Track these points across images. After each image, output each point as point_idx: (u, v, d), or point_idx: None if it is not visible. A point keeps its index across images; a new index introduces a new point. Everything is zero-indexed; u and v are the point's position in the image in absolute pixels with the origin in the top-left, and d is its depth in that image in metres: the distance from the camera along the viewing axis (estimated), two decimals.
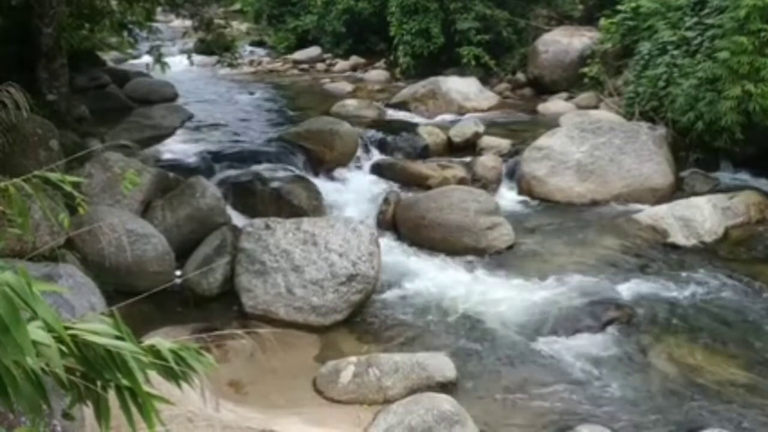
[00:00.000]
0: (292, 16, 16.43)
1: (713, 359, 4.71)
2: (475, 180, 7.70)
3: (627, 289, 5.58)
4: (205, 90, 12.36)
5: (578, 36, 11.33)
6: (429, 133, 8.85)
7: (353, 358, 4.46)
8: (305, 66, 14.83)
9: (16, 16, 7.04)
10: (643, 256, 6.21)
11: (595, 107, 9.82)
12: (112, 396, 1.54)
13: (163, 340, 1.61)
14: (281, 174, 7.41)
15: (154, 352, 1.55)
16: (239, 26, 16.91)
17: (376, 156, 8.43)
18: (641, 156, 7.59)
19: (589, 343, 4.92)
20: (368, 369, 4.33)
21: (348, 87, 12.45)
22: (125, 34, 9.82)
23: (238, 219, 6.39)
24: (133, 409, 1.52)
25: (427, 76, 11.44)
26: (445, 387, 4.30)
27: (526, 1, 13.07)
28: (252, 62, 15.09)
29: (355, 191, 7.57)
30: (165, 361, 1.55)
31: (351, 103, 10.47)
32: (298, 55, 15.42)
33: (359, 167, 8.16)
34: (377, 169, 8.08)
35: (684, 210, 6.65)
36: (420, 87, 11.01)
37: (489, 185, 7.64)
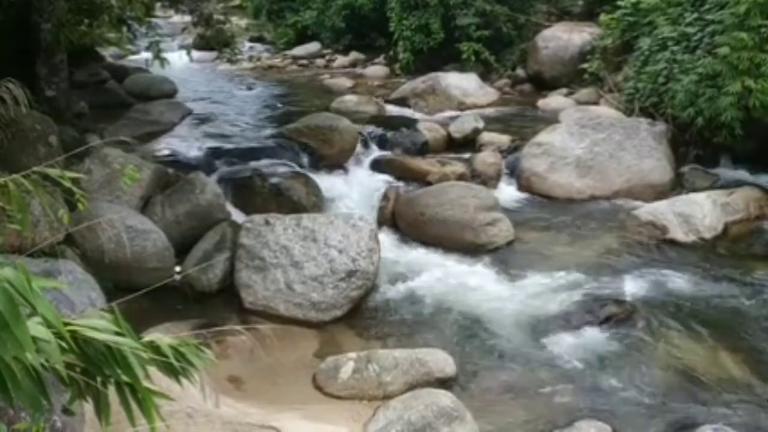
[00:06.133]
0: (292, 12, 16.41)
1: (712, 355, 4.71)
2: (474, 176, 7.68)
3: (626, 286, 5.58)
4: (204, 86, 12.35)
5: (578, 32, 11.31)
6: (429, 129, 8.84)
7: (353, 354, 4.46)
8: (305, 62, 14.81)
9: (15, 12, 7.03)
10: (643, 252, 6.20)
11: (595, 103, 9.80)
12: (112, 392, 1.54)
13: (162, 335, 1.61)
14: (281, 170, 7.41)
15: (154, 348, 1.56)
16: (238, 22, 16.85)
17: (376, 152, 8.42)
18: (641, 152, 7.58)
19: (588, 339, 4.92)
20: (368, 365, 4.33)
21: (347, 83, 12.43)
22: (124, 29, 9.79)
23: (237, 215, 6.38)
24: (133, 405, 1.53)
25: (426, 71, 11.43)
26: (445, 383, 4.30)
27: None
28: (251, 58, 15.05)
29: (354, 187, 7.56)
30: (165, 357, 1.55)
31: (350, 99, 10.45)
32: (298, 50, 15.39)
33: (359, 163, 8.15)
34: (377, 165, 8.07)
35: (683, 206, 6.65)
36: (420, 83, 11.00)
37: (488, 181, 7.63)
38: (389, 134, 8.68)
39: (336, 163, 7.96)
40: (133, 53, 12.61)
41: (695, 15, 8.21)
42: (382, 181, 7.69)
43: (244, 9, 18.90)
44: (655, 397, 4.29)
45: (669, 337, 4.91)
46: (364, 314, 5.32)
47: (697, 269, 5.87)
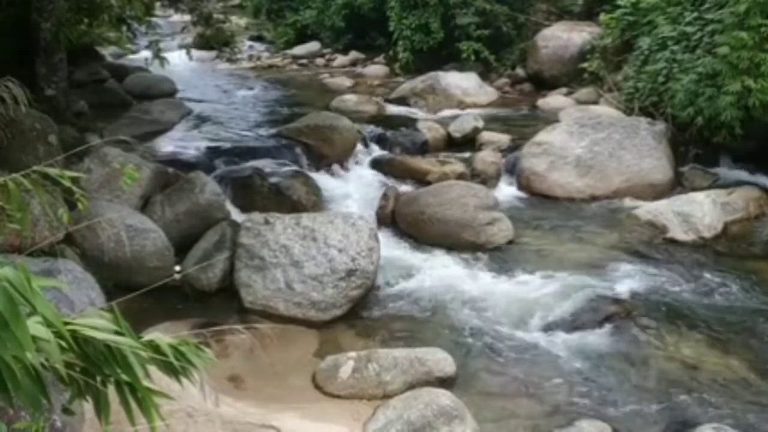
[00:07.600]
0: (292, 11, 16.41)
1: (712, 355, 4.72)
2: (474, 175, 7.69)
3: (626, 285, 5.58)
4: (204, 85, 12.34)
5: (578, 31, 11.33)
6: (428, 129, 8.84)
7: (352, 353, 4.46)
8: (304, 61, 14.82)
9: (14, 11, 7.03)
10: (643, 251, 6.21)
11: (595, 102, 9.82)
12: (111, 391, 1.54)
13: (162, 335, 1.61)
14: (280, 169, 7.40)
15: (154, 347, 1.56)
16: (238, 21, 16.87)
17: (376, 151, 8.42)
18: (641, 151, 7.58)
19: (588, 338, 4.92)
20: (367, 364, 4.33)
21: (347, 82, 12.44)
22: (124, 29, 9.79)
23: (237, 214, 6.38)
24: (133, 404, 1.53)
25: (426, 71, 11.43)
26: (444, 382, 4.30)
27: None
28: (251, 57, 15.06)
29: (354, 186, 7.56)
30: (164, 356, 1.55)
31: (350, 99, 10.45)
32: (298, 50, 15.39)
33: (358, 162, 8.15)
34: (376, 165, 8.07)
35: (683, 205, 6.65)
36: (419, 82, 11.00)
37: (488, 180, 7.64)
38: (389, 133, 8.69)
39: (336, 163, 7.96)
40: (133, 52, 12.61)
41: (695, 14, 8.20)
42: (381, 180, 7.70)
43: (243, 8, 18.90)
44: (655, 396, 4.30)
45: (668, 336, 4.92)
46: (363, 313, 5.32)
47: (697, 268, 5.87)
